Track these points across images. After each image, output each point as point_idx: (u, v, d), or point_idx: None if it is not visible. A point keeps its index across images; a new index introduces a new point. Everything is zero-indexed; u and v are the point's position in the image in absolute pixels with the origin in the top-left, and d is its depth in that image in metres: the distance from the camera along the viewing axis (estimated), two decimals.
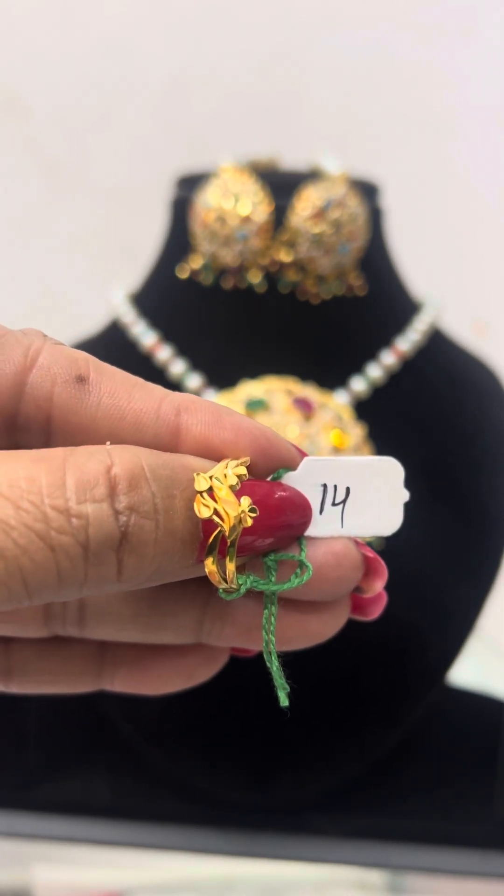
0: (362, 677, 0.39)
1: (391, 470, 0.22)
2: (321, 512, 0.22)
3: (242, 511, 0.19)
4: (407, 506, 0.40)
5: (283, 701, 0.22)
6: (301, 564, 0.21)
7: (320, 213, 0.41)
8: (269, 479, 0.22)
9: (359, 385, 0.41)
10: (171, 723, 0.40)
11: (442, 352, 0.45)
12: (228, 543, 0.20)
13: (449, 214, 0.75)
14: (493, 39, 0.71)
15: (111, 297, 0.46)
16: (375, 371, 0.42)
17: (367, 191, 0.44)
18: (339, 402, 0.41)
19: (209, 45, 0.71)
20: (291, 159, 0.46)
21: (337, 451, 0.40)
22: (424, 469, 0.41)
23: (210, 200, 0.41)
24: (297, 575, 0.21)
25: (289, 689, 0.22)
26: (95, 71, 0.72)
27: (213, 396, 0.41)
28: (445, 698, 0.43)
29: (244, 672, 0.39)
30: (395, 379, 0.42)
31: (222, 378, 0.42)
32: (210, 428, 0.21)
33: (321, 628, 0.24)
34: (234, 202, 0.41)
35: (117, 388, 0.21)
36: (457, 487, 0.41)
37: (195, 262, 0.43)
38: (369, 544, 0.39)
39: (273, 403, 0.40)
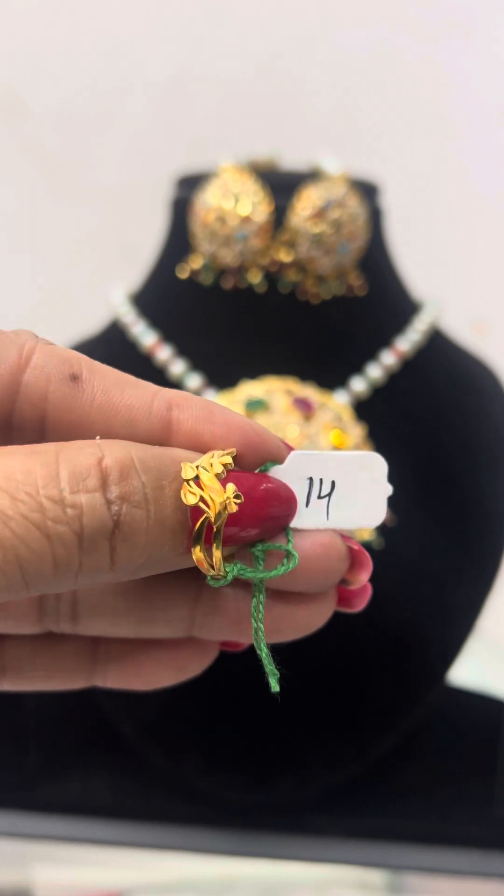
0: (362, 677, 0.39)
1: (375, 464, 0.23)
2: (307, 504, 0.23)
3: (227, 497, 0.20)
4: (407, 505, 0.40)
5: (274, 686, 0.22)
6: (288, 554, 0.22)
7: (320, 213, 0.41)
8: (256, 471, 0.23)
9: (359, 385, 0.41)
10: (171, 723, 0.40)
11: (442, 352, 0.45)
12: (214, 530, 0.20)
13: (449, 214, 0.75)
14: (493, 39, 0.71)
15: (111, 297, 0.46)
16: (375, 371, 0.42)
17: (367, 191, 0.44)
18: (338, 402, 0.41)
19: (209, 45, 0.71)
20: (291, 159, 0.46)
21: (337, 451, 0.40)
22: (424, 469, 0.41)
23: (210, 200, 0.41)
24: (283, 564, 0.22)
25: (279, 675, 0.22)
26: (95, 71, 0.72)
27: (214, 396, 0.41)
28: (445, 698, 0.43)
29: (244, 672, 0.39)
30: (395, 379, 0.42)
31: (222, 378, 0.42)
32: (201, 423, 0.22)
33: (309, 619, 0.24)
34: (234, 202, 0.41)
35: (110, 385, 0.21)
36: (456, 487, 0.41)
37: (195, 262, 0.43)
38: (369, 543, 0.39)
39: (273, 403, 0.40)
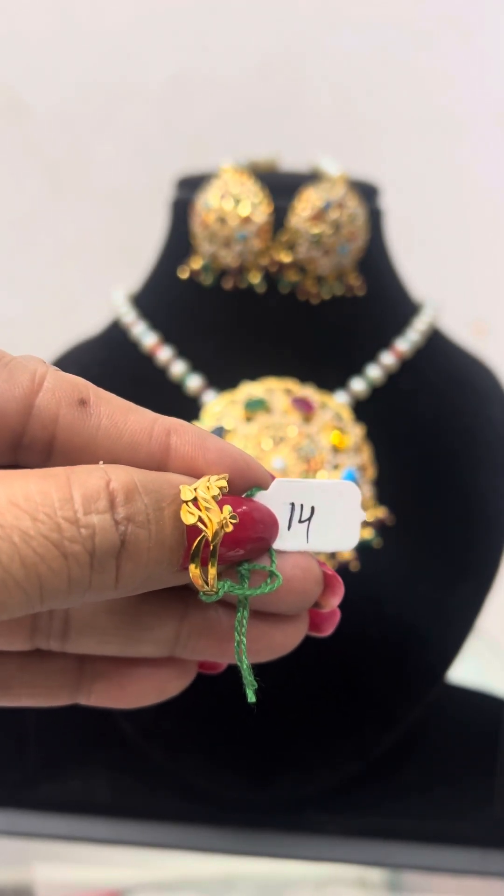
0: (362, 676, 0.40)
1: (350, 493, 0.25)
2: (289, 528, 0.24)
3: (224, 518, 0.21)
4: (406, 505, 0.40)
5: (251, 697, 0.24)
6: (271, 574, 0.24)
7: (320, 214, 0.41)
8: (243, 496, 0.24)
9: (358, 385, 0.42)
10: (170, 721, 0.40)
11: (441, 352, 0.45)
12: (211, 548, 0.21)
13: (448, 215, 0.75)
14: (493, 40, 0.72)
15: (112, 298, 0.46)
16: (375, 371, 0.42)
17: (367, 192, 0.44)
18: (338, 402, 0.41)
19: (209, 47, 0.71)
20: (291, 160, 0.46)
21: (337, 450, 0.40)
22: (423, 469, 0.41)
23: (210, 201, 0.41)
24: (267, 583, 0.24)
25: (257, 686, 0.24)
26: (96, 73, 0.72)
27: (214, 396, 0.41)
28: (445, 697, 0.43)
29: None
30: (395, 379, 0.43)
31: (222, 378, 0.42)
32: (196, 449, 0.23)
33: (284, 640, 0.26)
34: (235, 203, 0.41)
35: (115, 410, 0.23)
36: (456, 487, 0.41)
37: (195, 263, 0.43)
38: (368, 542, 0.39)
39: (273, 403, 0.40)
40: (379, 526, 0.40)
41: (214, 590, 0.22)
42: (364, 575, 0.39)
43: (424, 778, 0.44)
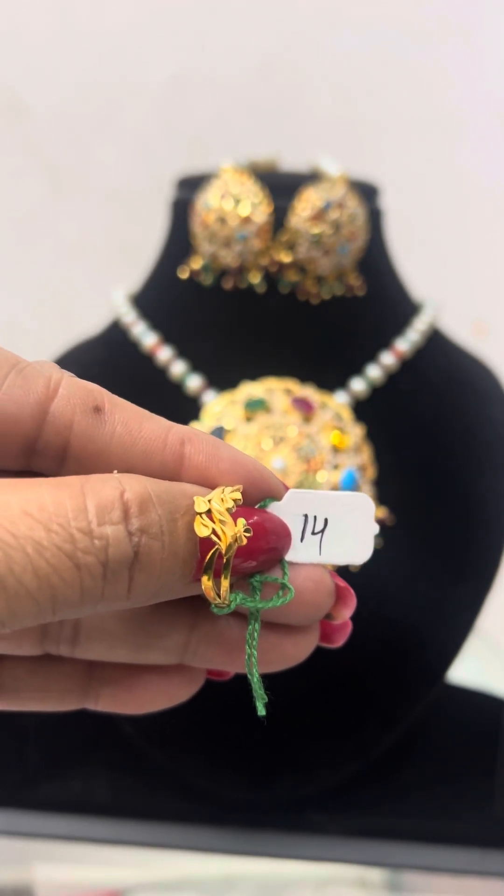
0: (362, 676, 0.40)
1: (364, 505, 0.25)
2: (302, 539, 0.24)
3: (238, 531, 0.21)
4: (406, 505, 0.40)
5: (261, 710, 0.23)
6: (283, 586, 0.23)
7: (320, 214, 0.41)
8: (256, 507, 0.24)
9: (358, 385, 0.42)
10: (171, 722, 0.40)
11: (441, 352, 0.45)
12: (224, 560, 0.21)
13: (448, 215, 0.75)
14: (493, 39, 0.72)
15: (112, 298, 0.46)
16: (375, 371, 0.42)
17: (367, 192, 0.44)
18: (338, 402, 0.41)
19: (209, 47, 0.71)
20: (291, 160, 0.46)
21: (337, 450, 0.40)
22: (424, 469, 0.41)
23: (210, 201, 0.41)
24: (279, 595, 0.23)
25: (267, 700, 0.24)
26: (96, 73, 0.72)
27: (214, 396, 0.41)
28: (445, 696, 0.43)
29: (243, 671, 0.39)
30: (395, 379, 0.43)
31: (222, 378, 0.42)
32: (210, 458, 0.23)
33: (295, 651, 0.26)
34: (235, 203, 0.41)
35: (129, 418, 0.22)
36: (456, 487, 0.41)
37: (195, 263, 0.43)
38: None
39: (273, 403, 0.40)
40: (379, 526, 0.40)
41: (227, 602, 0.22)
42: (364, 575, 0.39)
43: (424, 778, 0.44)
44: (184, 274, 0.43)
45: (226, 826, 0.43)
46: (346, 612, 0.26)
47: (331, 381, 0.42)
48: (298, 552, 0.24)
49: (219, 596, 0.22)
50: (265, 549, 0.23)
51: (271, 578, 0.23)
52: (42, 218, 0.75)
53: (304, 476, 0.39)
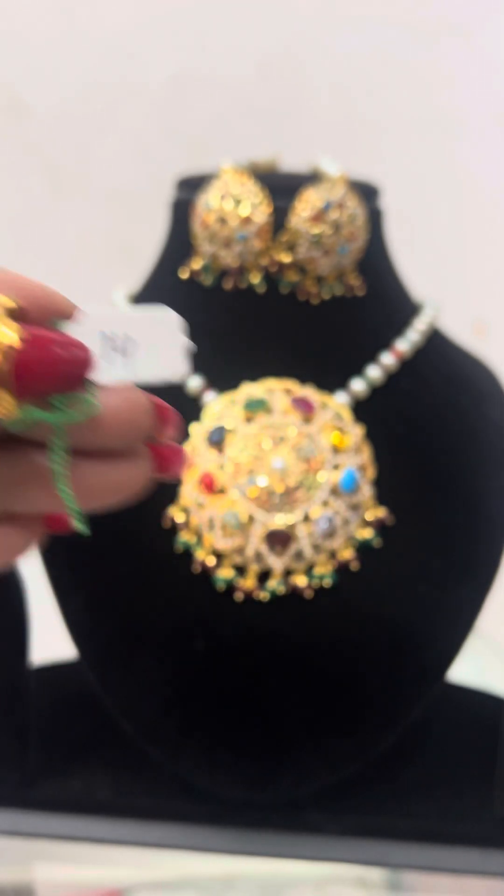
0: (362, 676, 0.40)
1: (167, 318, 0.24)
2: (107, 359, 0.23)
3: (10, 337, 0.20)
4: (406, 505, 0.40)
5: (80, 527, 0.23)
6: (87, 402, 0.22)
7: (320, 215, 0.41)
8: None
9: (358, 385, 0.42)
10: (171, 721, 0.40)
11: (441, 352, 0.45)
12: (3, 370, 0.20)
13: (448, 215, 0.75)
14: (493, 40, 0.72)
15: (112, 298, 0.46)
16: (374, 371, 0.42)
17: (367, 192, 0.44)
18: (338, 402, 0.41)
19: (209, 47, 0.72)
20: (291, 161, 0.46)
21: (337, 450, 0.40)
22: (423, 469, 0.41)
23: (211, 202, 0.42)
24: (82, 411, 0.22)
25: (82, 513, 0.23)
26: (96, 73, 0.72)
27: (214, 397, 0.41)
28: (445, 697, 0.43)
29: (245, 671, 0.39)
30: (395, 379, 0.43)
31: (222, 379, 0.42)
32: None
33: (124, 479, 0.24)
34: (235, 204, 0.41)
35: None
36: (456, 487, 0.42)
37: (196, 263, 0.43)
38: (368, 542, 0.39)
39: (273, 403, 0.40)
40: (379, 526, 0.40)
41: (13, 414, 0.21)
42: (364, 575, 0.39)
43: (424, 777, 0.44)
44: (184, 274, 0.44)
45: (226, 825, 0.43)
46: (168, 431, 0.25)
47: (331, 381, 0.42)
48: (105, 372, 0.23)
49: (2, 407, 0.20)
50: (57, 366, 0.22)
51: (73, 396, 0.22)
52: (42, 218, 0.75)
53: (304, 476, 0.39)
